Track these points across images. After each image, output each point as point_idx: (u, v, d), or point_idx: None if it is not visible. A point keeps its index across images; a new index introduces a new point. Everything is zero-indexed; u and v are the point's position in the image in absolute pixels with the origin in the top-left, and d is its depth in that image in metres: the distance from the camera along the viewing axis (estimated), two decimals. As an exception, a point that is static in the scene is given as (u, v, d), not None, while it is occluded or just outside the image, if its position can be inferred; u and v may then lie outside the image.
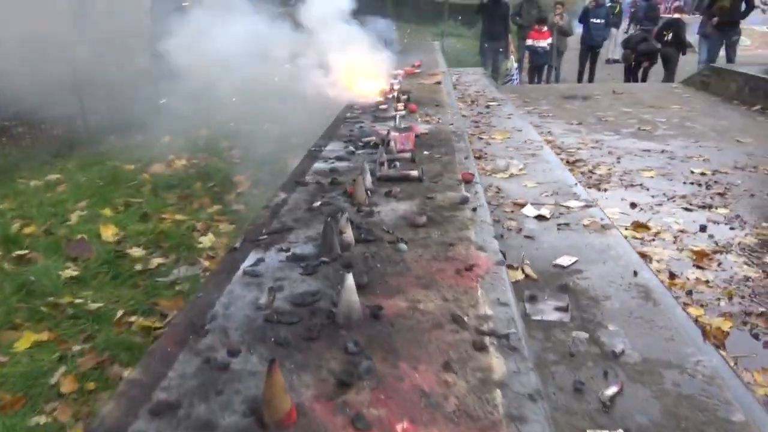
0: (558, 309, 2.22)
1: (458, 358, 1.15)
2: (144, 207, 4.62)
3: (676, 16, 11.66)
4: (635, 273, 2.50)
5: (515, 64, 13.20)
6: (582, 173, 5.26)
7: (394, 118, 3.29)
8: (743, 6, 10.54)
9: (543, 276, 2.50)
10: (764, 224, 4.07)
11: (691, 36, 21.24)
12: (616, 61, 16.52)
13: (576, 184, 3.76)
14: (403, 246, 1.63)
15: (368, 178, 2.10)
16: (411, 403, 1.01)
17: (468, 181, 2.21)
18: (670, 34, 11.40)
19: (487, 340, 1.17)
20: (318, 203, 1.94)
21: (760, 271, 3.43)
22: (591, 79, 13.45)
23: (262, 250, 1.66)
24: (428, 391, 1.04)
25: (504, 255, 1.63)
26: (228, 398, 1.04)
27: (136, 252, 3.87)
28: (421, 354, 1.17)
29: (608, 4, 14.70)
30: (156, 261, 3.75)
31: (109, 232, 4.10)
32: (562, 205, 3.35)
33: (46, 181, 5.68)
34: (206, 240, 3.97)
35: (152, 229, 4.18)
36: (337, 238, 1.59)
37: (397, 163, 2.41)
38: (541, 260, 2.66)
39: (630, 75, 12.57)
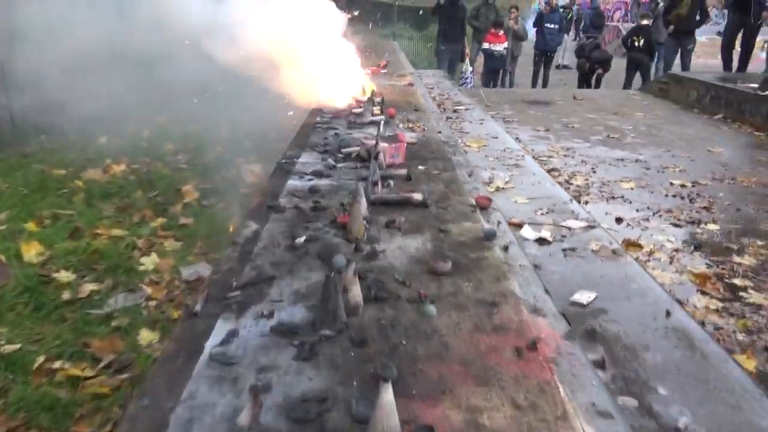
0: (593, 364, 1.82)
1: None
2: (75, 220, 4.01)
3: (645, 21, 11.69)
4: (668, 313, 2.14)
5: (470, 67, 12.98)
6: (559, 183, 4.96)
7: (374, 124, 2.85)
8: (698, 15, 10.63)
9: (567, 315, 2.10)
10: (759, 242, 3.83)
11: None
12: (565, 67, 16.60)
13: (571, 200, 3.41)
14: (431, 308, 1.20)
15: (363, 204, 1.65)
16: None
17: (484, 207, 1.80)
18: (641, 40, 11.36)
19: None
20: (302, 239, 1.48)
21: (769, 300, 3.15)
22: (545, 84, 13.41)
23: (234, 317, 1.19)
24: None
25: (569, 322, 1.22)
26: None
27: (64, 276, 3.28)
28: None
29: (561, 10, 14.71)
30: (88, 288, 3.17)
31: (32, 251, 3.49)
32: (562, 226, 2.98)
33: (-40, 187, 4.97)
34: (149, 261, 3.42)
35: (84, 248, 3.59)
36: (341, 300, 1.14)
37: (391, 182, 1.97)
38: (555, 296, 2.26)
39: (584, 82, 12.54)
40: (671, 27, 10.74)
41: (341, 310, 1.13)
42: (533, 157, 5.70)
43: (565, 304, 2.20)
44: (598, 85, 12.42)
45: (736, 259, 3.58)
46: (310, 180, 2.06)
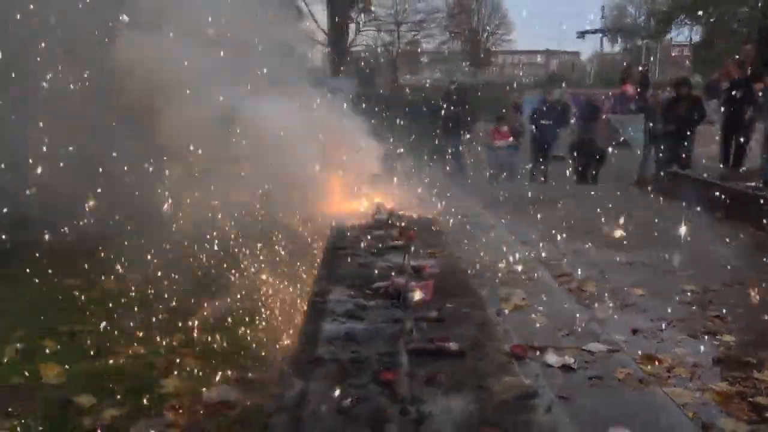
0: None
1: None
2: (93, 337, 4.03)
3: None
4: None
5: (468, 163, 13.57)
6: (571, 290, 5.00)
7: (395, 249, 2.94)
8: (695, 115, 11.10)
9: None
10: (781, 357, 3.83)
11: (627, 135, 22.30)
12: (561, 158, 17.06)
13: (591, 319, 3.45)
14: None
15: (405, 362, 1.70)
16: None
17: (520, 357, 1.84)
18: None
19: None
20: (348, 401, 1.52)
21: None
22: (545, 177, 13.74)
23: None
24: None
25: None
26: None
27: (85, 400, 3.27)
28: None
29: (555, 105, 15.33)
30: (109, 413, 3.15)
31: (51, 373, 3.49)
32: (585, 350, 3.01)
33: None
34: (169, 383, 3.41)
35: (104, 368, 3.60)
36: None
37: (425, 325, 2.03)
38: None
39: (581, 176, 12.90)
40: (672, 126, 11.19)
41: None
42: (541, 261, 5.80)
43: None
44: (595, 179, 12.76)
45: (757, 374, 3.58)
46: (344, 323, 2.12)
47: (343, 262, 2.92)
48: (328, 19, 23.74)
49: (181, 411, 3.15)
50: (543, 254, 6.04)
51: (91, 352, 3.84)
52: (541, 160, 14.01)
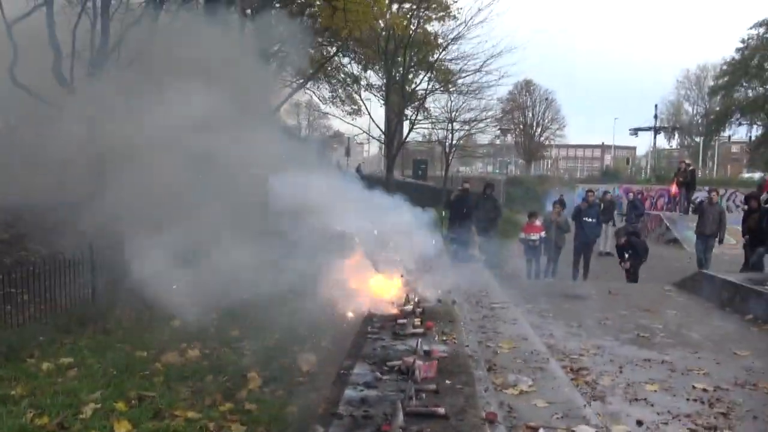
0: None
1: None
2: (157, 402, 4.68)
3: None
4: None
5: (479, 253, 14.21)
6: (586, 383, 5.35)
7: (415, 335, 3.53)
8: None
9: None
10: (772, 454, 4.13)
11: (679, 233, 22.29)
12: (608, 254, 17.30)
13: (585, 405, 3.89)
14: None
15: (400, 417, 2.27)
16: None
17: (492, 421, 2.38)
18: None
19: None
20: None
21: None
22: (586, 274, 14.00)
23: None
24: None
25: None
26: None
27: (150, 453, 3.88)
28: None
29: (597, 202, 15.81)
30: (167, 463, 3.75)
31: (122, 430, 4.13)
32: (573, 430, 3.46)
33: (57, 364, 5.75)
34: (219, 443, 4.00)
35: (166, 428, 4.22)
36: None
37: (423, 395, 2.59)
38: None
39: (627, 272, 13.03)
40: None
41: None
42: (564, 354, 6.18)
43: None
44: (635, 278, 12.88)
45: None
46: (362, 391, 2.70)
47: (369, 344, 3.51)
48: (385, 117, 25.13)
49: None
50: (564, 345, 6.43)
51: (156, 416, 4.47)
52: (582, 256, 14.30)
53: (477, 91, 26.51)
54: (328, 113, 27.08)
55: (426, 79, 24.21)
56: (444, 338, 3.67)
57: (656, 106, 50.14)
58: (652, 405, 4.89)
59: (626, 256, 12.50)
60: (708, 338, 7.07)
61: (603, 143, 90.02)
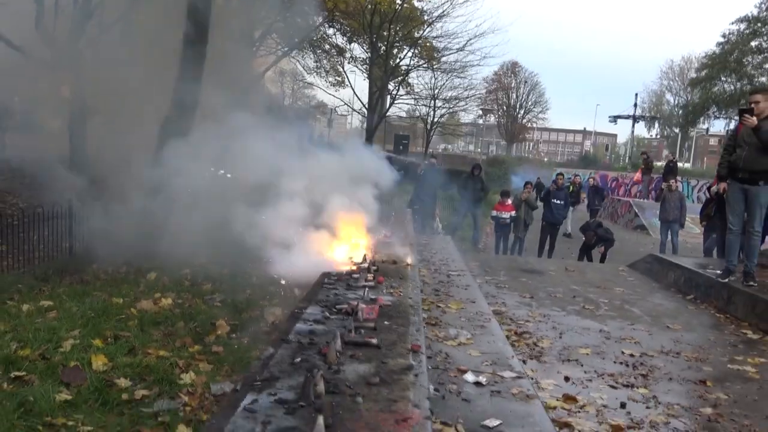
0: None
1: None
2: (132, 341, 5.11)
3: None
4: (545, 435, 3.08)
5: (440, 225, 14.98)
6: (527, 344, 5.87)
7: (365, 287, 4.00)
8: None
9: (473, 433, 3.06)
10: (675, 405, 4.68)
11: (646, 219, 23.05)
12: (570, 236, 18.05)
13: (513, 356, 4.41)
14: (359, 399, 2.24)
15: (339, 343, 2.73)
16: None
17: (415, 351, 2.84)
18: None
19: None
20: (298, 359, 2.54)
21: (664, 447, 3.99)
22: (551, 252, 14.65)
23: (257, 393, 2.25)
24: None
25: (432, 412, 2.23)
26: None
27: (123, 383, 4.31)
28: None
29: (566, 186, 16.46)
30: (141, 392, 4.19)
31: (99, 362, 4.56)
32: (498, 374, 3.97)
33: (38, 306, 6.15)
34: (187, 377, 4.44)
35: (138, 363, 4.65)
36: (312, 389, 2.18)
37: (363, 331, 3.05)
38: (472, 421, 3.23)
39: (585, 253, 13.73)
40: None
41: (311, 394, 2.16)
42: (512, 320, 6.71)
43: (477, 427, 3.18)
44: (603, 259, 13.57)
45: (650, 417, 4.43)
46: (311, 325, 3.15)
47: (323, 292, 3.96)
48: (368, 90, 25.35)
49: (194, 395, 4.18)
50: (514, 313, 6.98)
51: (130, 352, 4.91)
52: (549, 235, 14.92)
53: (460, 70, 26.88)
54: (311, 83, 27.24)
55: (410, 54, 24.48)
56: (391, 291, 4.13)
57: (636, 95, 50.85)
58: (582, 365, 5.42)
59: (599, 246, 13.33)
60: (647, 313, 7.63)
61: (585, 129, 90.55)
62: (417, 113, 33.21)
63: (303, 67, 27.37)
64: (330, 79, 26.63)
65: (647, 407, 4.61)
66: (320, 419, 1.88)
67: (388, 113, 32.08)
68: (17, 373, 4.23)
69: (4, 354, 4.54)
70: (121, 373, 4.44)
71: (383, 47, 22.39)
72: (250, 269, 7.20)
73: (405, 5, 21.64)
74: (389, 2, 19.44)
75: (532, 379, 4.82)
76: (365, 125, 26.94)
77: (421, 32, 22.44)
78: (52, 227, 9.62)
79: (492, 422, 3.19)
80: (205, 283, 7.33)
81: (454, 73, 27.78)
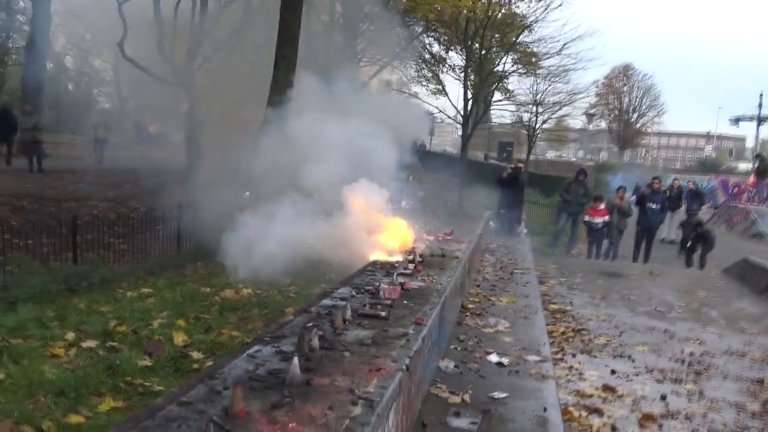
0: (472, 423, 3.07)
1: (338, 406, 2.11)
2: (210, 322, 5.78)
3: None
4: (545, 409, 3.32)
5: (525, 229, 14.82)
6: (582, 341, 5.93)
7: (402, 274, 4.38)
8: None
9: (478, 402, 3.36)
10: (720, 401, 4.63)
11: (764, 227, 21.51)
12: (671, 242, 17.23)
13: (545, 344, 4.60)
14: (347, 354, 2.63)
15: (348, 313, 3.12)
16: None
17: (418, 323, 3.18)
18: None
19: (360, 402, 2.12)
20: (310, 324, 2.96)
21: (693, 435, 4.02)
22: (647, 259, 14.15)
23: (263, 345, 2.70)
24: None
25: (407, 367, 2.57)
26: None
27: (196, 355, 4.95)
28: (323, 406, 2.13)
29: (663, 190, 15.84)
30: (209, 363, 4.80)
31: (179, 338, 5.23)
32: (523, 358, 4.20)
33: (139, 293, 7.02)
34: (251, 353, 5.02)
35: (212, 340, 5.29)
36: (306, 344, 2.60)
37: (379, 306, 3.43)
38: (483, 393, 3.52)
39: (686, 252, 13.19)
40: None
41: (305, 347, 2.58)
42: (574, 318, 6.77)
43: (484, 398, 3.46)
44: (703, 264, 12.99)
45: (689, 410, 4.44)
46: (336, 301, 3.57)
47: (361, 277, 4.37)
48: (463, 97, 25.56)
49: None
50: (578, 312, 7.00)
51: (206, 331, 5.57)
52: (645, 241, 14.45)
53: (562, 75, 26.40)
54: (416, 93, 27.80)
55: (507, 60, 24.44)
56: (425, 278, 4.45)
57: (761, 94, 47.04)
58: (633, 360, 5.42)
59: (697, 247, 12.86)
60: (725, 317, 7.37)
61: (708, 132, 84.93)
62: (519, 119, 32.79)
63: (405, 77, 27.99)
64: (431, 86, 27.09)
65: (689, 401, 4.61)
66: (295, 359, 2.29)
67: (488, 120, 31.97)
68: (111, 344, 4.98)
69: (104, 328, 5.33)
70: (196, 348, 5.08)
71: (479, 53, 22.54)
72: (327, 267, 7.73)
73: (501, 11, 21.73)
74: (484, 9, 19.62)
75: (577, 370, 4.97)
76: (458, 131, 27.12)
77: (515, 38, 22.37)
78: (164, 228, 10.87)
79: (499, 394, 3.47)
80: (285, 278, 7.96)
81: (556, 79, 27.33)
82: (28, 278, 7.57)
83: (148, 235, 10.81)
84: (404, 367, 2.48)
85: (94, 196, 13.99)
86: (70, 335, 5.07)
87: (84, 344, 4.89)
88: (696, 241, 12.94)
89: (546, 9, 20.56)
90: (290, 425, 1.90)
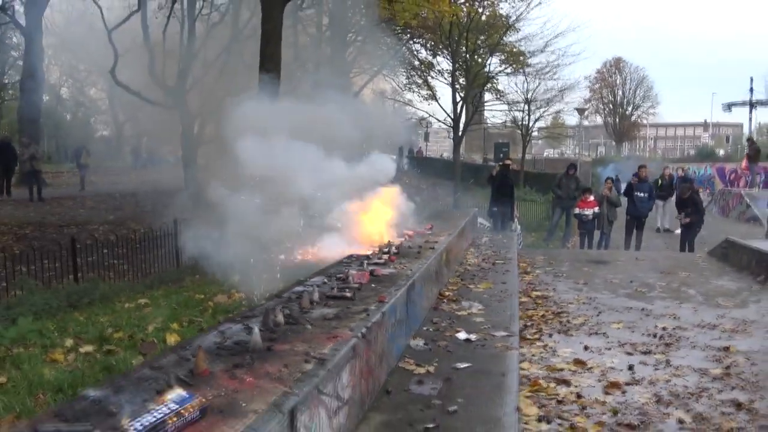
0: (432, 389, 3.34)
1: (293, 364, 2.40)
2: (202, 324, 6.07)
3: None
4: (503, 374, 3.59)
5: (518, 225, 14.99)
6: (560, 322, 6.15)
7: (376, 264, 4.66)
8: None
9: (442, 373, 3.63)
10: (686, 367, 4.85)
11: (758, 210, 21.69)
12: (667, 230, 17.43)
13: (515, 321, 4.86)
14: (309, 327, 2.91)
15: (315, 295, 3.41)
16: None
17: (381, 301, 3.46)
18: None
19: (312, 360, 2.41)
20: (280, 307, 3.24)
21: (654, 398, 4.25)
22: (638, 246, 14.37)
23: (233, 323, 2.99)
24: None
25: (363, 335, 2.85)
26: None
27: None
28: (279, 365, 2.41)
29: (655, 179, 16.10)
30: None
31: (172, 339, 5.52)
32: (490, 334, 4.47)
33: (137, 304, 7.32)
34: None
35: (204, 340, 5.58)
36: (271, 320, 2.89)
37: (347, 290, 3.71)
38: (447, 365, 3.79)
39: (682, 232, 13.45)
40: None
41: (270, 323, 2.86)
42: (555, 303, 7.00)
43: (449, 369, 3.73)
44: (691, 246, 13.22)
45: (654, 376, 4.66)
46: (308, 287, 3.86)
47: (335, 267, 4.65)
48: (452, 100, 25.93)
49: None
50: (560, 297, 7.22)
51: (198, 332, 5.85)
52: (635, 229, 14.68)
53: (550, 72, 26.78)
54: (410, 101, 28.17)
55: (494, 61, 24.83)
56: (396, 267, 4.72)
57: (752, 78, 47.31)
58: (607, 337, 5.63)
59: (687, 210, 13.08)
60: (703, 294, 7.55)
61: (705, 121, 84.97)
62: (511, 119, 33.08)
63: (397, 84, 28.39)
64: (423, 92, 27.48)
65: (656, 369, 4.82)
66: (256, 329, 2.57)
67: (481, 122, 32.30)
68: (108, 347, 5.28)
69: (101, 334, 5.63)
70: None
71: (465, 55, 22.92)
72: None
73: (485, 13, 22.13)
74: (465, 13, 20.06)
75: (551, 348, 5.21)
76: (451, 135, 27.43)
77: (500, 38, 22.77)
78: (163, 246, 11.19)
79: (462, 364, 3.73)
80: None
81: (545, 76, 27.69)
82: (30, 297, 7.88)
83: (149, 254, 11.13)
84: (360, 334, 2.75)
85: (95, 220, 14.35)
86: (69, 342, 5.37)
87: (82, 349, 5.19)
88: (687, 203, 13.23)
89: (527, 6, 20.91)
90: (248, 379, 2.18)
